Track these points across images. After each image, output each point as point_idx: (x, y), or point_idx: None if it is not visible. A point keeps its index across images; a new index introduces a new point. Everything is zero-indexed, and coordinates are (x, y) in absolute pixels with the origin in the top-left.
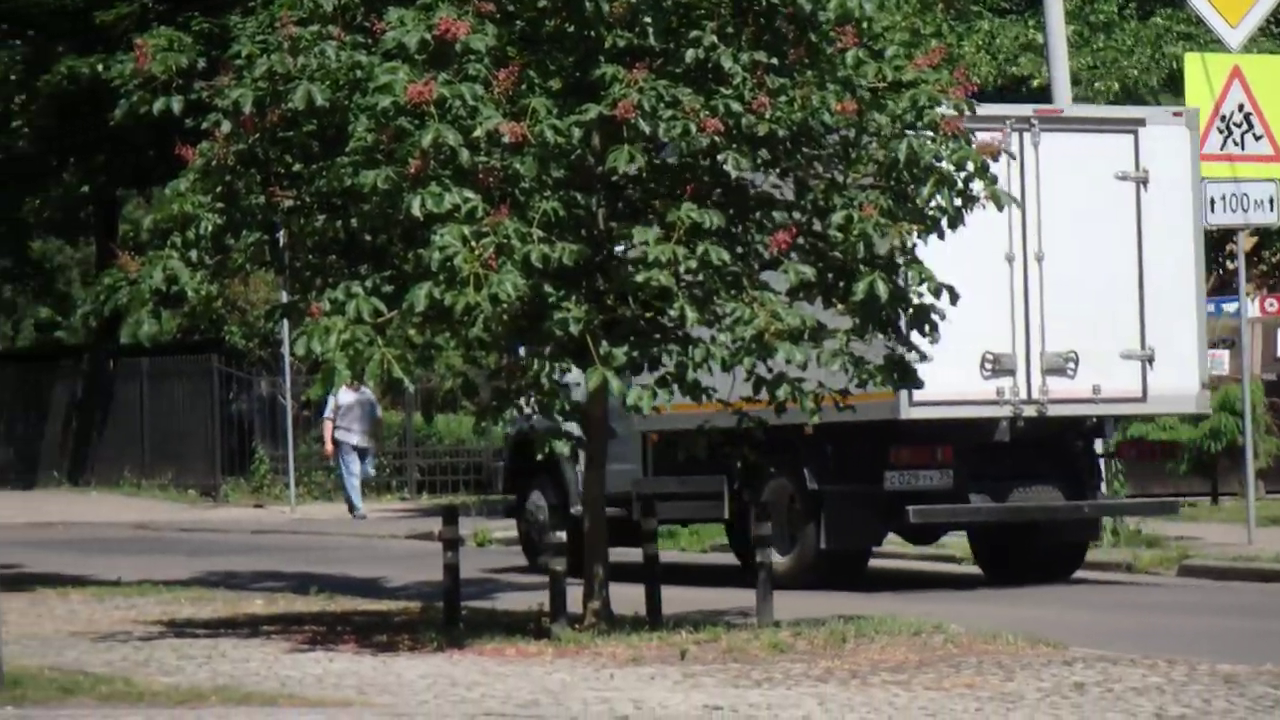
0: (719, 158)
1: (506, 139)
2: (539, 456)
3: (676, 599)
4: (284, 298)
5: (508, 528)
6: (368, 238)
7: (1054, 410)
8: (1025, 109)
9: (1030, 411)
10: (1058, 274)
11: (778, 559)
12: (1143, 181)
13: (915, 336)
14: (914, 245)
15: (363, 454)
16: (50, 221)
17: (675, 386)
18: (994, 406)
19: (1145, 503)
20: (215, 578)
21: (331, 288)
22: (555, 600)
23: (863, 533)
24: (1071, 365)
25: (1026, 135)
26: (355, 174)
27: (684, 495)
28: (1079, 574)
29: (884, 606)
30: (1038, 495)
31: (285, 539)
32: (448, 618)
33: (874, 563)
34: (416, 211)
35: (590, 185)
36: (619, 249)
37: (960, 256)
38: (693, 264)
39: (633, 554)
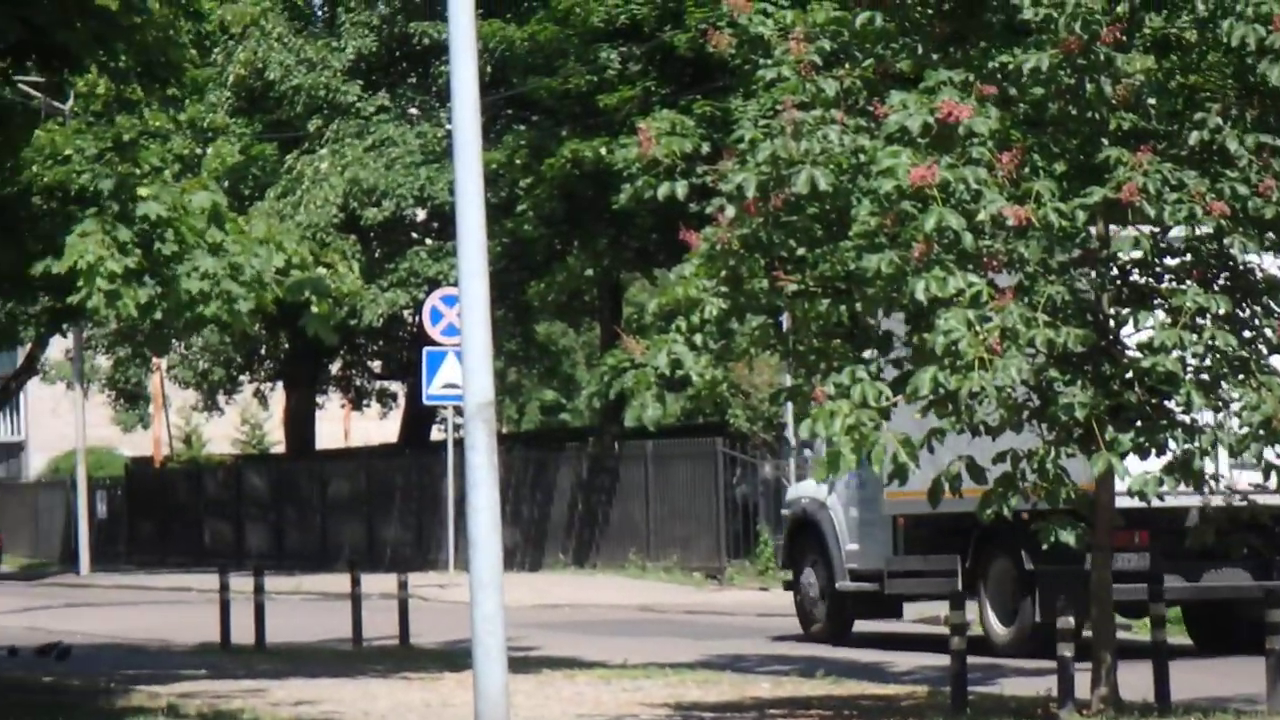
0: (1225, 241)
1: (1010, 222)
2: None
3: (1182, 684)
4: (787, 381)
5: None
6: (871, 321)
7: (1239, 500)
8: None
9: (1218, 501)
10: None
11: (1001, 630)
12: None
13: None
14: None
15: None
16: (555, 305)
17: (1179, 474)
18: (1184, 496)
19: None
20: (721, 661)
21: (836, 371)
22: (1063, 685)
23: (1072, 608)
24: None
25: None
26: (859, 258)
27: (925, 573)
28: None
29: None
30: (1227, 576)
31: (791, 622)
32: (955, 703)
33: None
34: (921, 296)
35: (1094, 269)
36: (1124, 333)
37: None
38: (1199, 349)
39: (879, 625)
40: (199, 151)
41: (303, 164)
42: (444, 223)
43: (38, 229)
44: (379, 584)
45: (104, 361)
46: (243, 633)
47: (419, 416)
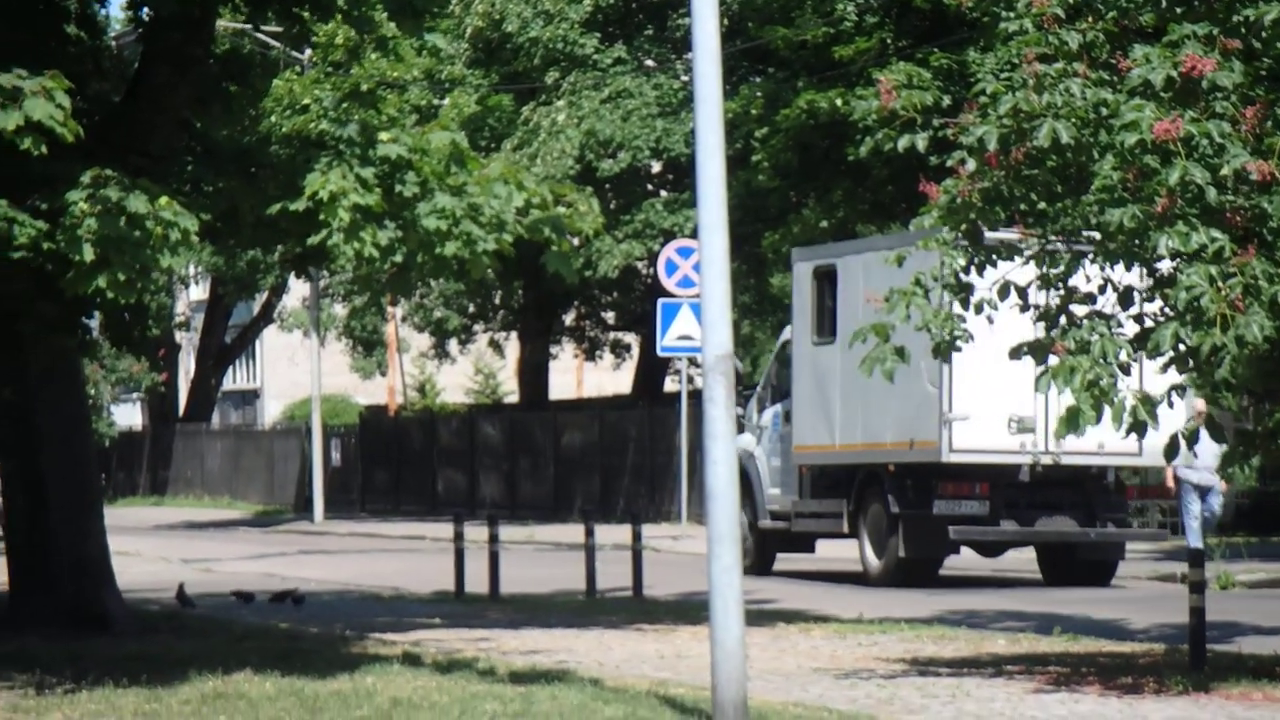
0: None
1: (1254, 177)
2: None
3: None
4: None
5: (1252, 570)
6: (1112, 276)
7: (1066, 460)
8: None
9: (1046, 460)
10: None
11: (875, 563)
12: None
13: None
14: None
15: (1205, 492)
16: (789, 257)
17: None
18: (1016, 455)
19: (1139, 531)
20: (956, 616)
21: (1077, 327)
22: None
23: (929, 546)
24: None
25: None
26: (1101, 212)
27: (820, 514)
28: None
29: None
30: (1056, 523)
31: (1026, 578)
32: (1193, 661)
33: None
34: (1163, 250)
35: None
36: None
37: (999, 343)
38: None
39: (793, 559)
40: (436, 102)
41: (539, 116)
42: (679, 174)
43: (278, 176)
44: (612, 535)
45: (340, 309)
46: (476, 582)
47: (652, 368)
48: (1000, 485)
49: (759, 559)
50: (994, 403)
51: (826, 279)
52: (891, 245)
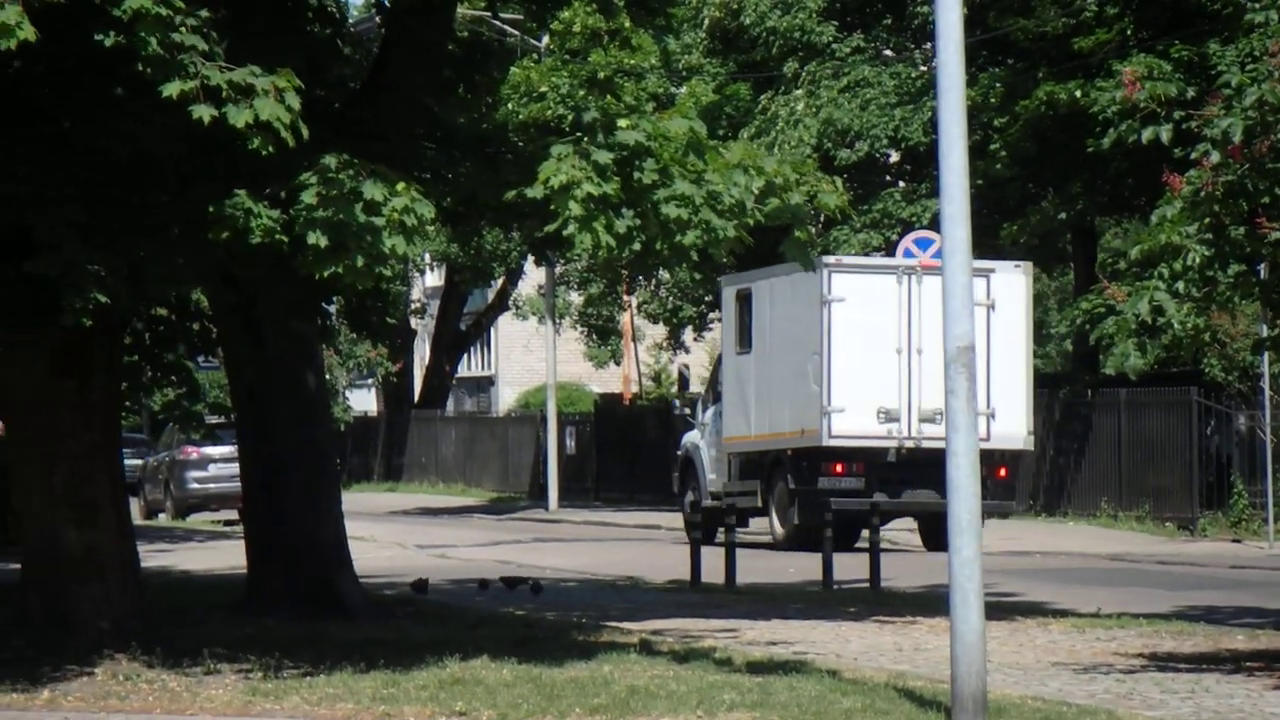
0: None
1: None
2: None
3: None
4: (1264, 330)
5: None
6: None
7: (926, 444)
8: (913, 261)
9: (910, 444)
10: (931, 361)
11: (780, 531)
12: (991, 306)
13: None
14: None
15: None
16: (1027, 248)
17: None
18: (884, 440)
19: (988, 504)
20: (1195, 612)
21: None
22: None
23: (817, 515)
24: (938, 417)
25: (912, 278)
26: None
27: (742, 492)
28: None
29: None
30: (919, 495)
31: (1265, 575)
32: None
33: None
34: None
35: None
36: None
37: (867, 347)
38: None
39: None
40: (673, 90)
41: (777, 105)
42: (918, 164)
43: (517, 163)
44: None
45: (576, 297)
46: (712, 572)
47: None
48: (873, 465)
49: (704, 532)
50: (865, 396)
51: (745, 300)
52: (789, 272)
